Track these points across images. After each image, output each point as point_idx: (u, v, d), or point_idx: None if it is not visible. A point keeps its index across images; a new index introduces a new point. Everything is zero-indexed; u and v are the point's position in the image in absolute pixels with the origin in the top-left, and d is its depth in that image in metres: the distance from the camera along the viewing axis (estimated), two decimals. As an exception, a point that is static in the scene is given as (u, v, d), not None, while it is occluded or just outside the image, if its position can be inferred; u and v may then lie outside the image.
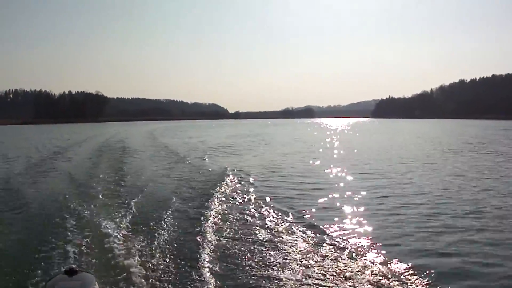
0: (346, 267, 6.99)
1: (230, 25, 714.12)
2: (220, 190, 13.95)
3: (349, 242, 8.38)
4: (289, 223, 9.82)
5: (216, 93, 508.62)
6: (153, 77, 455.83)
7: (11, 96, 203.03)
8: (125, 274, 6.64)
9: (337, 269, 6.92)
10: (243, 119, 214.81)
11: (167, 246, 8.17)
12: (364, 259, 7.41)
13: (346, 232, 9.13)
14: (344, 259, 7.37)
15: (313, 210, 11.11)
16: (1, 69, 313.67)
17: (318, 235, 8.83)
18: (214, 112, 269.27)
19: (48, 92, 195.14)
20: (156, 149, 31.95)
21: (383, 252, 7.73)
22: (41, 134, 60.56)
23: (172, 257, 7.53)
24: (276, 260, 7.34)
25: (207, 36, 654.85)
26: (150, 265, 7.07)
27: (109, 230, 9.04)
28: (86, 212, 10.81)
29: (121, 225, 9.60)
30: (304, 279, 6.49)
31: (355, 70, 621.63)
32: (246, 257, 7.54)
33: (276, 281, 6.46)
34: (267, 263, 7.22)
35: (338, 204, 11.96)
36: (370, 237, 8.66)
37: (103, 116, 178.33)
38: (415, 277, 6.62)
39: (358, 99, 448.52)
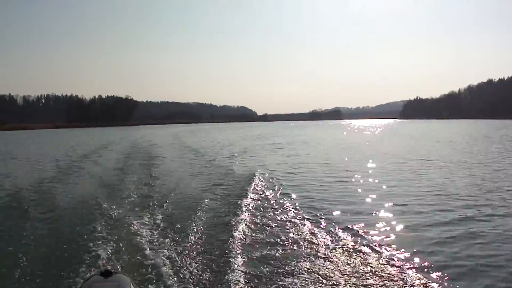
0: (377, 271, 6.81)
1: (260, 28, 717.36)
2: (249, 190, 13.89)
3: (383, 246, 8.12)
4: (320, 223, 9.64)
5: (245, 95, 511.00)
6: (182, 81, 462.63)
7: (43, 101, 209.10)
8: (158, 275, 6.63)
9: (369, 272, 6.74)
10: (270, 121, 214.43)
11: (198, 247, 8.16)
12: (395, 262, 7.19)
13: (383, 237, 8.84)
14: (375, 262, 7.18)
15: (348, 213, 10.85)
16: (33, 75, 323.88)
17: (349, 236, 8.67)
18: (242, 115, 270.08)
19: (79, 97, 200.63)
20: (178, 148, 33.34)
21: (421, 259, 7.42)
22: (75, 137, 63.13)
23: (203, 258, 7.50)
24: (306, 261, 7.22)
25: (235, 39, 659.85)
26: (182, 267, 7.04)
27: (141, 232, 9.11)
28: (117, 214, 10.93)
29: (152, 226, 9.67)
30: (335, 281, 6.36)
31: (384, 71, 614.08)
32: (276, 258, 7.45)
33: (306, 282, 6.36)
34: (298, 264, 7.10)
35: (378, 209, 11.56)
36: (406, 242, 8.34)
37: (132, 119, 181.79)
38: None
39: (386, 100, 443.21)
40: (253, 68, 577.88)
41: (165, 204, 12.07)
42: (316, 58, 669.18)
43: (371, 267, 6.96)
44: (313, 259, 7.38)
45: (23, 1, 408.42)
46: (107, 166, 23.38)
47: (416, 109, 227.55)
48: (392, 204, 11.72)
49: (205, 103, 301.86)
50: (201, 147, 36.69)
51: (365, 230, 9.13)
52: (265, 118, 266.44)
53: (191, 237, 8.73)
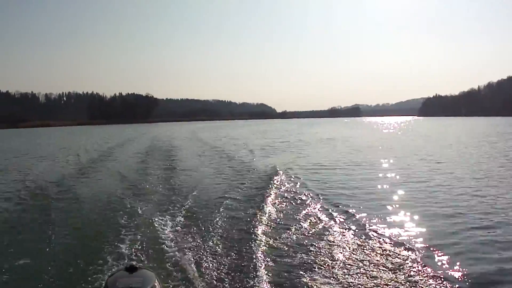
0: (398, 269, 6.67)
1: (278, 25, 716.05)
2: (270, 187, 13.85)
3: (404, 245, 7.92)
4: (346, 222, 9.49)
5: (265, 92, 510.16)
6: (202, 78, 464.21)
7: (64, 98, 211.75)
8: (181, 271, 6.64)
9: (387, 271, 6.61)
10: (289, 119, 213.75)
11: (220, 242, 8.16)
12: (419, 263, 6.99)
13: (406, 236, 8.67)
14: (397, 260, 7.03)
15: (370, 210, 10.67)
16: (54, 73, 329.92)
17: (373, 235, 8.50)
18: (261, 112, 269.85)
19: (100, 95, 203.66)
20: (196, 144, 34.83)
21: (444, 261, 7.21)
22: (99, 134, 65.59)
23: (225, 254, 7.49)
24: (330, 259, 7.12)
25: (254, 37, 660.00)
26: (205, 263, 7.02)
27: (163, 227, 9.16)
28: (139, 209, 11.01)
29: (174, 221, 9.72)
30: (357, 280, 6.26)
31: (404, 68, 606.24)
32: (300, 255, 7.35)
33: (328, 280, 6.28)
34: (320, 261, 7.03)
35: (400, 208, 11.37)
36: (432, 243, 8.11)
37: (152, 117, 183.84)
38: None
39: (406, 97, 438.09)
40: (273, 66, 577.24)
41: (186, 199, 12.11)
42: (337, 55, 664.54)
43: (393, 265, 6.83)
44: (335, 256, 7.26)
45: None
46: (129, 160, 24.30)
47: (435, 106, 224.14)
48: (419, 203, 11.49)
49: (225, 101, 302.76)
50: (220, 144, 36.85)
51: (386, 228, 8.98)
52: (284, 115, 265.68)
53: (213, 233, 8.72)
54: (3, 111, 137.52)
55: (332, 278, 6.33)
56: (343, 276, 6.40)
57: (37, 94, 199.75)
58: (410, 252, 7.44)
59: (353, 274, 6.48)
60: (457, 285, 6.11)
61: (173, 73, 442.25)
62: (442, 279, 6.27)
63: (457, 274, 6.48)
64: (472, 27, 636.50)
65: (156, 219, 9.85)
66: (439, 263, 6.96)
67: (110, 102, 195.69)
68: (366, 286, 6.06)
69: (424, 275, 6.43)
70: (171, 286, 6.05)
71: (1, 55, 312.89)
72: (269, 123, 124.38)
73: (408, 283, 6.15)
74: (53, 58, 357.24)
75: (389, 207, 11.04)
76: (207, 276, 6.48)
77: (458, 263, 6.90)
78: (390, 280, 6.22)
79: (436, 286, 6.05)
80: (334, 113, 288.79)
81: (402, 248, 7.66)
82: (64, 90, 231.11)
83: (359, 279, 6.28)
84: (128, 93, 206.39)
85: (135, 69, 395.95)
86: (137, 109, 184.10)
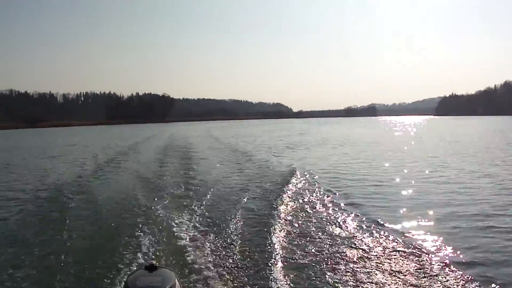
0: (418, 271, 6.55)
1: (294, 25, 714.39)
2: (288, 186, 13.84)
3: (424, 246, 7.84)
4: (362, 222, 9.40)
5: (281, 92, 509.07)
6: (218, 78, 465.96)
7: (82, 98, 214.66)
8: (201, 270, 6.62)
9: (406, 272, 6.51)
10: (305, 118, 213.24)
11: (239, 242, 8.15)
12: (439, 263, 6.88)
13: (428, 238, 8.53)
14: (417, 263, 6.92)
15: (392, 212, 10.59)
16: (72, 73, 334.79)
17: (391, 235, 8.40)
18: (277, 112, 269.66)
19: (117, 95, 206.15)
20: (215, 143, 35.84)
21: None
22: (118, 133, 68.04)
23: (243, 253, 7.47)
24: (347, 261, 7.05)
25: (270, 36, 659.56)
26: (224, 262, 7.02)
27: (181, 226, 9.18)
28: (156, 208, 11.04)
29: (192, 220, 9.76)
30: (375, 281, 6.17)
31: (421, 67, 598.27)
32: (319, 256, 7.28)
33: (346, 281, 6.21)
34: (338, 263, 6.95)
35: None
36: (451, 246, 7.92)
37: (169, 116, 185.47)
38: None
39: (423, 96, 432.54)
40: (289, 65, 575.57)
41: (204, 198, 12.16)
42: (354, 54, 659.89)
43: (414, 268, 6.72)
44: (354, 258, 7.19)
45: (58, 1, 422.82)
46: (146, 158, 25.17)
47: (451, 105, 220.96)
48: (439, 205, 11.27)
49: (241, 100, 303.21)
50: (235, 142, 37.08)
51: (405, 230, 8.84)
52: (300, 115, 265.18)
53: (231, 232, 8.72)
54: (22, 111, 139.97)
55: (351, 280, 6.24)
56: (363, 278, 6.31)
57: (55, 94, 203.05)
58: (431, 256, 7.30)
59: (372, 276, 6.38)
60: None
61: (189, 73, 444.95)
62: (464, 282, 6.15)
63: (480, 278, 6.33)
64: (489, 26, 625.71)
65: (173, 218, 9.88)
66: (460, 265, 6.82)
67: (128, 102, 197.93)
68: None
69: (447, 277, 6.31)
70: (190, 285, 6.05)
71: (19, 56, 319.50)
72: (281, 123, 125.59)
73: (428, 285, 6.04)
74: (69, 59, 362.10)
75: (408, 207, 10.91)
76: (225, 275, 6.46)
77: (481, 267, 6.77)
78: (406, 282, 6.13)
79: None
80: (350, 112, 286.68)
81: (423, 251, 7.51)
82: (82, 90, 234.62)
83: (378, 281, 6.19)
84: (145, 93, 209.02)
85: (152, 69, 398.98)
86: (154, 108, 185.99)
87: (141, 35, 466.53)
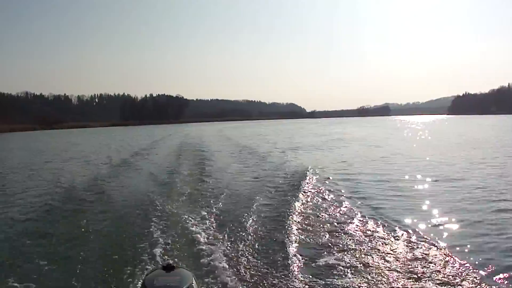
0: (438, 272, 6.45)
1: (307, 25, 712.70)
2: (302, 185, 13.70)
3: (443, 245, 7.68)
4: (377, 221, 9.25)
5: (294, 92, 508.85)
6: (231, 79, 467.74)
7: (96, 100, 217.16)
8: (217, 271, 6.60)
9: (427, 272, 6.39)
10: (317, 118, 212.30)
11: (254, 241, 8.16)
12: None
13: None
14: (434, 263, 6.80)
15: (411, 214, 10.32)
16: (86, 75, 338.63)
17: (412, 236, 8.22)
18: (291, 112, 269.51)
19: (131, 96, 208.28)
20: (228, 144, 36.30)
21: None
22: (136, 132, 69.77)
23: (260, 254, 7.43)
24: (363, 260, 6.96)
25: (284, 37, 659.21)
26: (239, 262, 7.02)
27: (197, 226, 9.17)
28: (171, 208, 11.08)
29: (207, 220, 9.75)
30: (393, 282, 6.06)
31: (435, 66, 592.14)
32: (336, 255, 7.23)
33: (362, 281, 6.10)
34: (353, 263, 6.87)
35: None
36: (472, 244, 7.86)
37: (183, 117, 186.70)
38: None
39: (437, 95, 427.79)
40: (302, 65, 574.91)
41: (219, 197, 12.21)
42: (367, 54, 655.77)
43: (431, 267, 6.62)
44: (370, 257, 7.10)
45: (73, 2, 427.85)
46: (161, 157, 26.01)
47: (464, 104, 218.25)
48: (456, 204, 11.09)
49: (254, 101, 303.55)
50: (247, 142, 37.16)
51: (419, 228, 8.75)
52: (313, 115, 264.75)
53: (247, 232, 8.70)
54: (38, 113, 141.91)
55: (366, 279, 6.17)
56: (379, 277, 6.23)
57: (70, 96, 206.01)
58: (454, 259, 7.14)
59: (387, 275, 6.30)
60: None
61: (203, 74, 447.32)
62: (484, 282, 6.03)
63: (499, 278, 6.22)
64: (502, 24, 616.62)
65: (189, 217, 9.90)
66: (478, 264, 6.70)
67: (142, 103, 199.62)
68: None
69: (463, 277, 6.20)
70: (207, 285, 6.02)
71: (32, 59, 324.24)
72: (291, 123, 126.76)
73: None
74: (83, 61, 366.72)
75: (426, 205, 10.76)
76: (241, 275, 6.43)
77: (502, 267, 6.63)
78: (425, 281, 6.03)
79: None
80: (363, 112, 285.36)
81: (443, 253, 7.37)
82: (96, 92, 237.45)
83: (394, 280, 6.10)
84: (158, 94, 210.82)
85: (166, 70, 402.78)
86: (168, 109, 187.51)
87: (155, 37, 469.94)
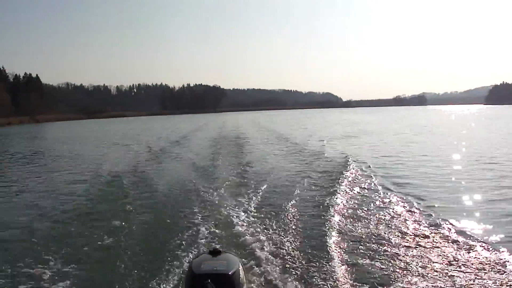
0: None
1: (343, 11, 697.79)
2: (343, 176, 13.42)
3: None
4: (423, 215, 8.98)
5: (331, 81, 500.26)
6: (268, 69, 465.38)
7: (134, 90, 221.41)
8: (259, 256, 6.61)
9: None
10: (354, 108, 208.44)
11: (296, 228, 8.14)
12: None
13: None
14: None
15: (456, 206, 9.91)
16: (123, 66, 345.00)
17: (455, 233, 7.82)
18: (326, 101, 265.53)
19: (169, 86, 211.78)
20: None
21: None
22: (174, 122, 71.93)
23: (302, 241, 7.40)
24: (406, 256, 6.62)
25: (320, 27, 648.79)
26: (281, 248, 6.99)
27: (239, 213, 9.24)
28: (212, 194, 11.21)
29: (249, 206, 9.78)
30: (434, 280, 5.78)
31: (474, 55, 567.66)
32: (377, 250, 6.92)
33: (404, 277, 5.84)
34: (396, 257, 6.58)
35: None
36: None
37: (221, 106, 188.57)
38: None
39: (475, 85, 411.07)
40: (338, 54, 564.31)
41: (259, 185, 12.22)
42: (403, 42, 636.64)
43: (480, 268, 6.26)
44: (416, 254, 6.80)
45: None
46: (201, 143, 27.22)
47: (502, 94, 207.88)
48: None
49: (290, 90, 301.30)
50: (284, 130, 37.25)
51: (466, 225, 8.26)
52: (349, 104, 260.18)
53: (289, 219, 8.67)
54: (79, 103, 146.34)
55: (406, 276, 5.91)
56: (422, 275, 5.94)
57: (109, 87, 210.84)
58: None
59: (433, 274, 6.00)
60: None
61: (240, 64, 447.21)
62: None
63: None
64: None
65: (230, 204, 9.97)
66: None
67: (180, 93, 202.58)
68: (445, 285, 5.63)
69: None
70: (251, 271, 6.01)
71: (71, 51, 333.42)
72: (321, 112, 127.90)
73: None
74: (121, 53, 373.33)
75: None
76: (283, 262, 6.40)
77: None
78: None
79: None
80: (398, 101, 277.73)
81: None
82: (134, 82, 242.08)
83: (438, 279, 5.82)
84: (196, 84, 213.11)
85: (204, 61, 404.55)
86: (206, 99, 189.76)
87: (195, 29, 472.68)
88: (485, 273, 5.88)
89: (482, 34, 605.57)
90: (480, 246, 6.91)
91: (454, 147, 22.38)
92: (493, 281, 5.62)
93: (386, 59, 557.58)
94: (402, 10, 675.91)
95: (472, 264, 6.23)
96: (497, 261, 6.29)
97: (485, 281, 5.64)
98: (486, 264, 6.20)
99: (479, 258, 6.41)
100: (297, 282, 5.72)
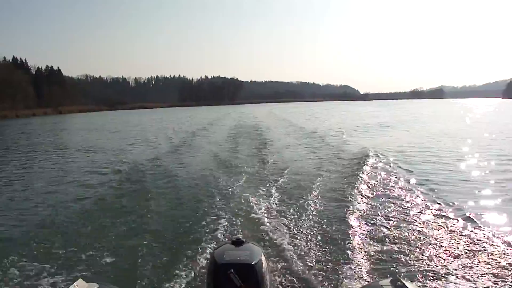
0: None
1: (362, 4, 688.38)
2: (364, 169, 13.17)
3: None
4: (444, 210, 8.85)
5: (348, 73, 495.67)
6: (286, 62, 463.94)
7: (153, 82, 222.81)
8: (280, 247, 6.61)
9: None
10: (370, 100, 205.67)
11: (319, 219, 8.12)
12: None
13: None
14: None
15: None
16: (142, 58, 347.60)
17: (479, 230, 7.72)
18: (344, 94, 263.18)
19: (187, 78, 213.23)
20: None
21: None
22: (194, 113, 77.61)
23: (324, 233, 7.39)
24: (430, 250, 6.53)
25: (336, 21, 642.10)
26: (301, 241, 6.97)
27: (260, 204, 9.22)
28: (232, 184, 11.26)
29: (270, 199, 9.74)
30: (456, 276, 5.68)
31: (494, 47, 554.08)
32: (397, 244, 6.82)
33: (427, 271, 5.77)
34: (421, 253, 6.44)
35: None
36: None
37: (238, 98, 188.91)
38: None
39: (494, 78, 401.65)
40: (356, 47, 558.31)
41: (279, 176, 12.25)
42: (422, 34, 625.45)
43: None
44: (440, 251, 6.73)
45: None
46: (220, 133, 27.99)
47: None
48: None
49: (308, 82, 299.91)
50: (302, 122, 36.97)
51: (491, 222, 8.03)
52: (367, 97, 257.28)
53: (310, 212, 8.61)
54: (99, 95, 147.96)
55: (429, 271, 5.85)
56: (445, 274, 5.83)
57: (128, 79, 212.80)
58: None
59: (457, 273, 5.87)
60: None
61: (257, 56, 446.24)
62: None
63: None
64: None
65: (251, 195, 9.97)
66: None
67: (198, 85, 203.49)
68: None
69: None
70: (274, 261, 6.01)
71: (90, 43, 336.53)
72: (334, 104, 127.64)
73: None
74: (138, 44, 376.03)
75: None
76: (306, 253, 6.41)
77: None
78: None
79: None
80: (416, 94, 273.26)
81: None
82: (152, 74, 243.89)
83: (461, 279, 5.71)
84: (213, 76, 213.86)
85: (221, 53, 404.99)
86: (224, 91, 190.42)
87: (211, 22, 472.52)
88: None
89: (501, 28, 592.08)
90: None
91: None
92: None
93: (404, 52, 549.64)
94: (422, 3, 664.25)
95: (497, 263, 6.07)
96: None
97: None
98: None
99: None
100: (319, 273, 5.73)
